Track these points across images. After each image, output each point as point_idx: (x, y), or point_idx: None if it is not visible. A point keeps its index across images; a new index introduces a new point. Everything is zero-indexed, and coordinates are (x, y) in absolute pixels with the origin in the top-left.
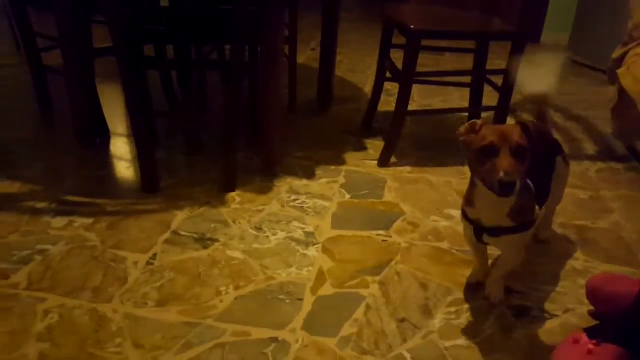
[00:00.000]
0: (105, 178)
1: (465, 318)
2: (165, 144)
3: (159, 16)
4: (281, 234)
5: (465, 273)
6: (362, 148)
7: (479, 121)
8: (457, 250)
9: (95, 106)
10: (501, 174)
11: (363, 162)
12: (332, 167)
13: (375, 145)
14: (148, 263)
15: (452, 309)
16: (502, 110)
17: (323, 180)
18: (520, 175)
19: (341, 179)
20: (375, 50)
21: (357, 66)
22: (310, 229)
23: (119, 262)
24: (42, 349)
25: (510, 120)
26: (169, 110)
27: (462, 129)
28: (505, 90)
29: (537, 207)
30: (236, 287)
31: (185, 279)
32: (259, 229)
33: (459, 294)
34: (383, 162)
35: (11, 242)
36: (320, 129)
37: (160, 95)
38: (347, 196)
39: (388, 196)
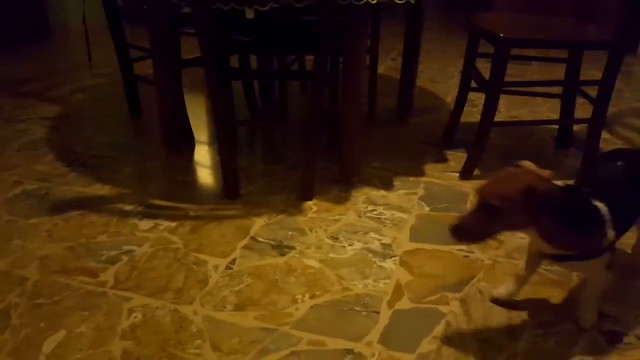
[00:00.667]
0: (188, 183)
1: (553, 341)
2: (246, 152)
3: (245, 27)
4: (358, 245)
5: (553, 294)
6: (443, 160)
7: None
8: (545, 269)
9: (182, 115)
10: (456, 221)
11: (444, 174)
12: (411, 179)
13: (457, 157)
14: (228, 267)
15: (540, 331)
16: (596, 124)
17: (401, 191)
18: (486, 233)
19: (420, 191)
20: (458, 60)
21: (439, 76)
22: (387, 240)
23: (200, 265)
24: (126, 346)
25: (604, 135)
26: (251, 119)
27: None
28: (601, 102)
29: (610, 234)
30: (312, 296)
31: (263, 285)
32: (335, 238)
33: (547, 316)
34: (466, 174)
35: (101, 242)
36: (399, 139)
37: (242, 104)
38: (427, 209)
39: None
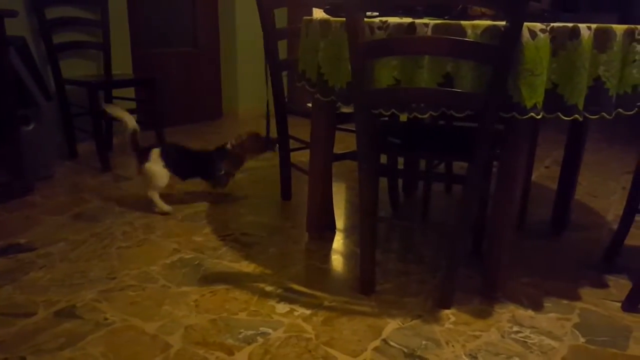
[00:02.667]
0: (326, 272)
1: None
2: (384, 248)
3: (398, 129)
4: None
5: None
6: (603, 285)
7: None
8: None
9: (328, 204)
10: None
11: (603, 302)
12: (565, 302)
13: (619, 285)
14: None
15: None
16: None
17: (552, 314)
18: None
19: (575, 318)
20: (620, 175)
21: (598, 190)
22: None
23: None
24: None
25: None
26: (392, 216)
27: None
28: None
29: None
30: None
31: None
32: (474, 357)
33: None
34: (630, 306)
35: (240, 320)
36: (552, 255)
37: (385, 200)
38: (582, 340)
39: (635, 349)
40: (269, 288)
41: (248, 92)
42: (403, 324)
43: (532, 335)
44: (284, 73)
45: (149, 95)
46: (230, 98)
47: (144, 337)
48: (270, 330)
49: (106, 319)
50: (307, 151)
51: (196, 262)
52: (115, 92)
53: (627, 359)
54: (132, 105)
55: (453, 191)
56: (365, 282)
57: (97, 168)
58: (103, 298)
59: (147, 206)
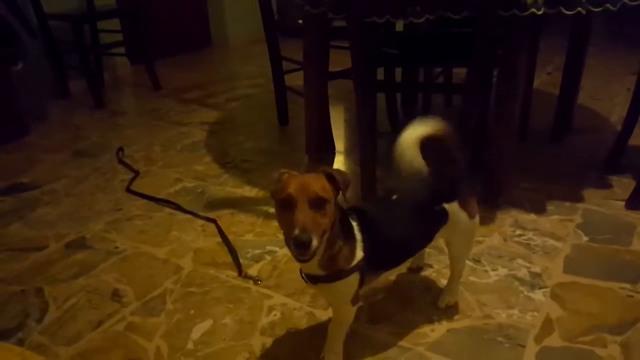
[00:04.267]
0: None
1: None
2: (384, 165)
3: (394, 40)
4: (502, 271)
5: None
6: (606, 186)
7: (285, 171)
8: None
9: (326, 125)
10: (296, 231)
11: (607, 202)
12: (567, 204)
13: (623, 184)
14: None
15: None
16: None
17: (555, 217)
18: (322, 230)
19: (578, 218)
20: (624, 76)
21: (601, 93)
22: (537, 269)
23: None
24: (265, 342)
25: None
26: (392, 131)
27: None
28: None
29: (357, 255)
30: (450, 319)
31: (398, 301)
32: (477, 261)
33: None
34: (633, 204)
35: (247, 241)
36: (554, 160)
37: (383, 116)
38: (585, 239)
39: (637, 245)
40: (272, 210)
41: (237, 17)
42: None
43: (535, 238)
44: None
45: (135, 26)
46: (218, 25)
47: (156, 262)
48: (277, 249)
49: (117, 247)
50: (302, 73)
51: (199, 190)
52: (101, 25)
53: (630, 254)
54: (119, 37)
55: (453, 104)
56: (367, 197)
57: (90, 105)
58: (111, 228)
59: (146, 140)
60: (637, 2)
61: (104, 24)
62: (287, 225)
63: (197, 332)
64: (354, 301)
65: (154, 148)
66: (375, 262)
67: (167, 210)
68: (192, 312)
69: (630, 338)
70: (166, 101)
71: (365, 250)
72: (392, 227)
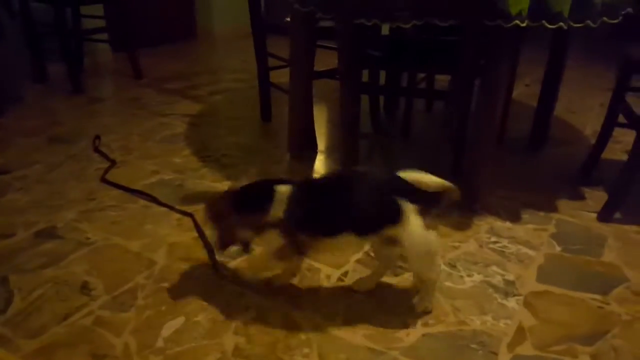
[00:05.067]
0: None
1: None
2: (365, 165)
3: (380, 43)
4: (477, 277)
5: None
6: (580, 197)
7: None
8: None
9: (309, 124)
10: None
11: (579, 213)
12: (542, 214)
13: (595, 196)
14: (340, 279)
15: None
16: None
17: (530, 226)
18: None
19: (551, 228)
20: (599, 91)
21: (577, 106)
22: (511, 277)
23: (313, 273)
24: (238, 342)
25: None
26: (373, 133)
27: None
28: None
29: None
30: (425, 324)
31: (374, 303)
32: (453, 266)
33: None
34: (605, 216)
35: None
36: (530, 169)
37: (366, 118)
38: (558, 248)
39: (608, 256)
40: None
41: (224, 10)
42: None
43: (509, 245)
44: None
45: (119, 13)
46: (205, 16)
47: (128, 255)
48: (254, 246)
49: (88, 238)
50: (288, 70)
51: (177, 183)
52: (84, 10)
53: (601, 265)
54: (102, 24)
55: (433, 110)
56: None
57: (69, 90)
58: (83, 218)
59: (124, 129)
60: (616, 20)
61: (87, 9)
62: None
63: (167, 330)
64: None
65: (132, 138)
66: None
67: (142, 202)
68: (163, 308)
69: (599, 349)
70: (147, 91)
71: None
72: (324, 195)
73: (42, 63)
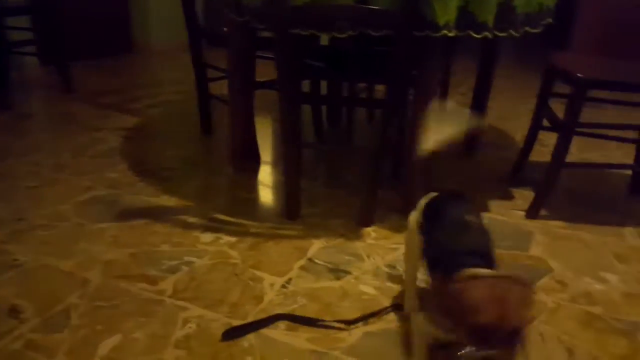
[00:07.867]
0: (251, 201)
1: None
2: (309, 175)
3: (319, 54)
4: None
5: (619, 344)
6: (510, 197)
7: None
8: (612, 318)
9: (251, 135)
10: None
11: (509, 212)
12: None
13: (524, 196)
14: (283, 286)
15: None
16: None
17: None
18: None
19: None
20: (530, 99)
21: (510, 114)
22: None
23: (256, 282)
24: (179, 356)
25: None
26: (316, 143)
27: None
28: None
29: None
30: (365, 323)
31: (317, 307)
32: (392, 267)
33: None
34: (532, 213)
35: (163, 252)
36: (464, 173)
37: (309, 128)
38: None
39: (535, 250)
40: (192, 219)
41: (162, 23)
42: (327, 243)
43: None
44: None
45: (48, 25)
46: (142, 30)
47: (59, 275)
48: (195, 259)
49: (16, 259)
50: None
51: (112, 199)
52: (10, 22)
53: (527, 259)
54: (29, 36)
55: (375, 119)
56: (290, 208)
57: None
58: (11, 239)
59: (55, 145)
60: (537, 30)
61: (13, 21)
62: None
63: (104, 348)
64: None
65: (64, 155)
66: None
67: (75, 220)
68: (99, 327)
69: (527, 337)
70: (79, 105)
71: None
72: None
73: None
